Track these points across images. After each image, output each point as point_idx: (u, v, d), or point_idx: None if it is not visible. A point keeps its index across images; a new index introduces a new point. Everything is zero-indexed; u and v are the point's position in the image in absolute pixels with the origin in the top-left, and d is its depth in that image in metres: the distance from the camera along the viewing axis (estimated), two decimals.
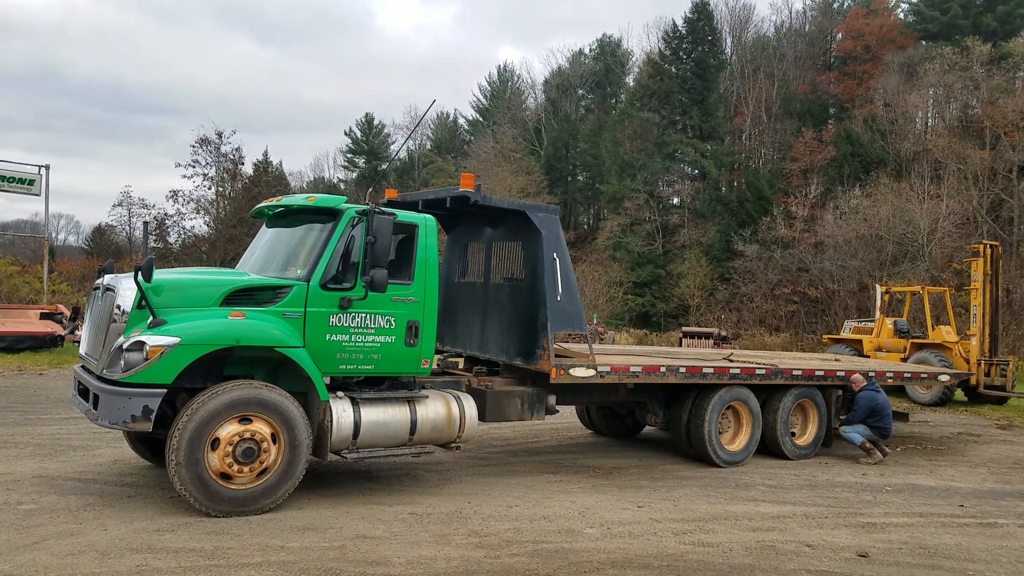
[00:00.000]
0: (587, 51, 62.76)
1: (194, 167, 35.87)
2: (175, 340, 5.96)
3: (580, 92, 62.06)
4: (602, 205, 52.57)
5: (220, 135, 36.33)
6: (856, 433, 10.32)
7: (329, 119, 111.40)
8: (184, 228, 36.87)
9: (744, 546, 6.34)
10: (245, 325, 6.30)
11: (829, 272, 34.94)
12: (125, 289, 6.27)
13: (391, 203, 8.96)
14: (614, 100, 60.65)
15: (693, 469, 9.34)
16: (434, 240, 7.54)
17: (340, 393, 6.96)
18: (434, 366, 9.26)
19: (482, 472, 8.65)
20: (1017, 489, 9.11)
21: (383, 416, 7.06)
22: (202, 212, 37.12)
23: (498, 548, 5.92)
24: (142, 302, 6.07)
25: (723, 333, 29.87)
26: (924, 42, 45.61)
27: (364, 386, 7.26)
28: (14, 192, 19.82)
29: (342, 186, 64.00)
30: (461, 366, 9.58)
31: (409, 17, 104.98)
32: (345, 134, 67.50)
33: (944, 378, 12.64)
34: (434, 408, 7.41)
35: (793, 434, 10.36)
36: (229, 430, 6.16)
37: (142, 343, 5.92)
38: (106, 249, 48.19)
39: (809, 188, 38.05)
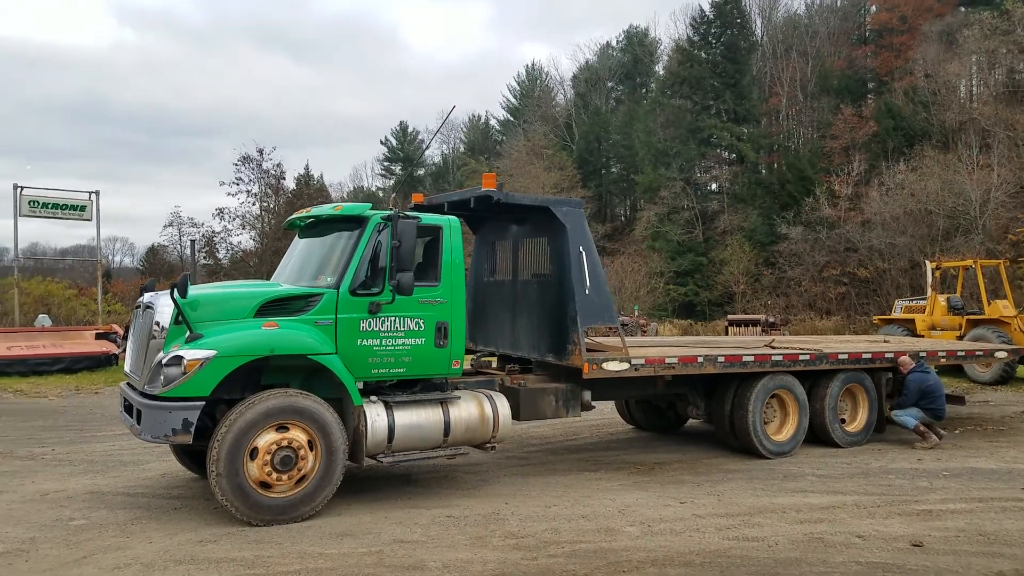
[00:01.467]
0: (615, 43, 62.28)
1: (238, 184, 36.54)
2: (212, 353, 6.05)
3: (610, 85, 61.56)
4: (638, 196, 52.04)
5: (261, 152, 36.92)
6: (909, 417, 9.98)
7: (365, 131, 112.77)
8: (231, 244, 37.64)
9: (791, 539, 6.17)
10: (279, 334, 6.37)
11: (878, 251, 33.96)
12: (163, 306, 6.39)
13: (417, 207, 8.99)
14: (644, 90, 59.96)
15: (739, 462, 9.14)
16: (459, 241, 7.51)
17: (374, 397, 6.98)
18: (467, 366, 9.23)
19: (520, 472, 8.60)
20: None
21: (416, 419, 7.06)
22: (248, 227, 37.82)
23: (535, 549, 5.86)
24: (179, 317, 6.18)
25: (771, 319, 29.23)
26: (962, 8, 43.99)
27: (396, 389, 7.28)
28: (67, 218, 20.51)
29: (380, 193, 64.61)
30: (494, 365, 9.57)
31: (437, 26, 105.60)
32: (381, 143, 68.37)
33: (1001, 355, 12.14)
34: (467, 409, 7.39)
35: (843, 421, 10.07)
36: (267, 439, 6.23)
37: (180, 357, 6.02)
38: (159, 268, 49.42)
39: (851, 165, 37.01)
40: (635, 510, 7.00)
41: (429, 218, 7.41)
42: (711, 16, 47.85)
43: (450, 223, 7.50)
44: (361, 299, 6.83)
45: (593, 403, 8.78)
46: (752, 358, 9.29)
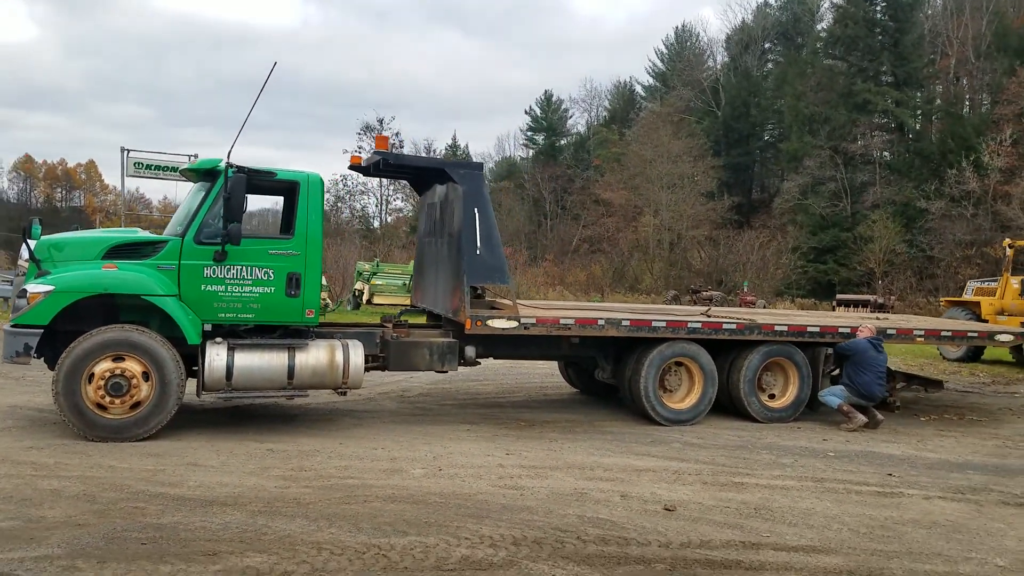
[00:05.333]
0: (773, 1, 58.47)
1: (359, 152, 39.36)
2: (51, 288, 7.06)
3: (766, 46, 58.12)
4: (782, 165, 48.93)
5: (381, 121, 39.46)
6: (833, 396, 9.19)
7: (524, 100, 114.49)
8: (353, 208, 41.00)
9: (552, 492, 6.17)
10: (113, 275, 7.25)
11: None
12: (25, 246, 7.51)
13: (353, 167, 9.61)
14: (804, 50, 55.86)
15: (629, 426, 8.95)
16: (318, 196, 7.99)
17: (219, 339, 7.69)
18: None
19: (403, 420, 8.95)
20: (1005, 464, 7.67)
21: (258, 361, 7.67)
22: (369, 193, 40.92)
23: (299, 481, 6.23)
24: (30, 256, 7.25)
25: (880, 300, 27.08)
26: None
27: (255, 334, 7.93)
28: (168, 179, 23.29)
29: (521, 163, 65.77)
30: (424, 321, 10.06)
31: None
32: (525, 112, 68.94)
33: (1006, 337, 10.59)
34: (315, 355, 7.89)
35: (772, 396, 9.48)
36: (103, 366, 7.14)
37: (25, 291, 7.10)
38: (329, 232, 54.81)
39: (1003, 135, 32.54)
40: (451, 457, 7.18)
41: (286, 173, 7.96)
42: None
43: (308, 179, 7.99)
44: (207, 248, 7.54)
45: (479, 360, 8.98)
46: (664, 324, 9.01)
